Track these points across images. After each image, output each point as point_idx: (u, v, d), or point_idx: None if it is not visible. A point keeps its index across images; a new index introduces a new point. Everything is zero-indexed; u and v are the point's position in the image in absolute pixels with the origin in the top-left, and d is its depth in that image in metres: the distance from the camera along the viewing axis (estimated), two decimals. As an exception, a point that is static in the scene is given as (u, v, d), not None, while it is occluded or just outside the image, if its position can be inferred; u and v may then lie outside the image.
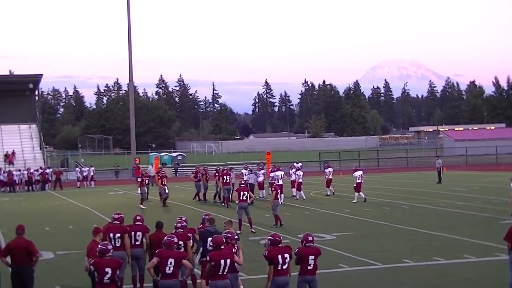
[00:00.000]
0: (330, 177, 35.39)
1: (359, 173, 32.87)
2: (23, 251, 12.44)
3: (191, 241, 13.57)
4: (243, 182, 24.72)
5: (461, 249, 18.15)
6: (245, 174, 35.68)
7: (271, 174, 32.88)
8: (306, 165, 48.62)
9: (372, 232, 21.87)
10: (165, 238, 11.27)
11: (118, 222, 14.01)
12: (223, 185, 31.80)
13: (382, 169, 65.86)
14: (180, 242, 12.83)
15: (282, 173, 33.01)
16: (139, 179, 33.86)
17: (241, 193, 22.56)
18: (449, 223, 23.59)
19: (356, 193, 32.36)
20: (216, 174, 33.50)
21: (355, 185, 32.54)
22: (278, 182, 32.05)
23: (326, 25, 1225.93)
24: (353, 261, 16.81)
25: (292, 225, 24.15)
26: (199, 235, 13.57)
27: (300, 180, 33.93)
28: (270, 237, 11.02)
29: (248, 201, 22.81)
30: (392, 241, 19.90)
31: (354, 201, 31.88)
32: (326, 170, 36.03)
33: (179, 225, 13.29)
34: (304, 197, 33.75)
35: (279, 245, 10.92)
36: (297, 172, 34.26)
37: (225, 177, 31.73)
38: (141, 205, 32.20)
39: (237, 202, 22.71)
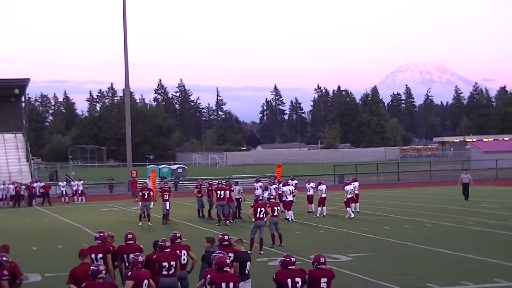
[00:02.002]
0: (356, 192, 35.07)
1: (350, 187, 33.25)
2: (7, 273, 12.39)
3: (186, 257, 13.64)
4: (260, 198, 24.53)
5: (491, 272, 18.04)
6: (257, 188, 35.87)
7: (280, 189, 32.90)
8: (318, 179, 48.26)
9: (392, 253, 21.79)
10: (131, 257, 11.50)
11: (100, 242, 14.04)
12: (218, 201, 31.72)
13: (403, 183, 65.70)
14: (172, 262, 13.01)
15: (292, 188, 32.94)
16: (140, 193, 33.86)
17: (258, 209, 22.47)
18: (478, 243, 23.48)
19: (348, 208, 32.78)
20: (209, 188, 33.77)
21: (345, 199, 32.90)
22: (287, 198, 32.01)
23: (341, 25, 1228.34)
24: (371, 285, 16.73)
25: (303, 244, 24.08)
26: (202, 258, 13.58)
27: (324, 195, 33.86)
28: (282, 258, 10.93)
29: (265, 219, 22.73)
30: (415, 263, 19.82)
31: (346, 217, 32.40)
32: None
33: (167, 244, 13.37)
34: (322, 214, 33.63)
35: (291, 267, 10.79)
36: (320, 187, 34.19)
37: (220, 192, 31.67)
38: (149, 223, 32.35)
39: (253, 220, 22.59)
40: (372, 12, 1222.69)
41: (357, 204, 35.12)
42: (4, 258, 12.14)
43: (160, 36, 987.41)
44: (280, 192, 33.08)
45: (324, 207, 33.87)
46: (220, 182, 33.81)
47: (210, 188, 34.19)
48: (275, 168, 51.08)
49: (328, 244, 24.29)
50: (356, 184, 35.05)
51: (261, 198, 25.12)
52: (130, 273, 11.35)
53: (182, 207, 41.19)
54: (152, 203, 33.75)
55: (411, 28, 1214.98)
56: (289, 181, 36.34)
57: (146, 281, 11.08)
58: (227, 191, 31.86)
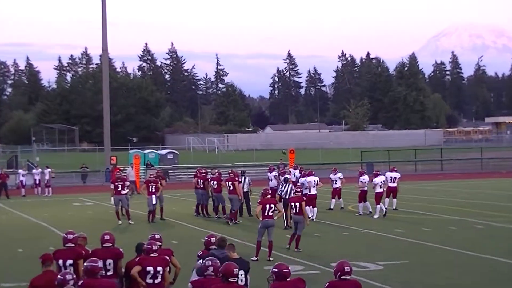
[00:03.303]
0: (394, 184, 35.08)
1: (381, 178, 33.56)
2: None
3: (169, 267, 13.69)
4: (268, 190, 24.41)
5: (557, 285, 17.99)
6: (271, 179, 36.21)
7: (301, 180, 32.93)
8: (343, 168, 48.28)
9: (433, 261, 21.76)
10: (86, 263, 11.60)
11: (73, 244, 14.02)
12: (229, 194, 31.94)
13: (447, 174, 65.65)
14: (159, 268, 13.04)
15: (316, 179, 32.96)
16: (112, 186, 33.94)
17: (267, 206, 22.49)
18: (540, 250, 23.42)
19: (378, 206, 32.95)
20: (205, 178, 34.07)
21: (378, 192, 33.15)
22: (310, 191, 32.02)
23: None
24: (407, 301, 16.70)
25: (323, 249, 24.10)
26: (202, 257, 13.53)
27: (365, 188, 33.94)
28: (275, 269, 10.93)
29: (275, 218, 22.75)
30: (462, 273, 19.80)
31: (375, 216, 32.62)
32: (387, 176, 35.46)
33: (155, 247, 13.41)
34: (368, 211, 33.69)
35: (288, 279, 10.85)
36: (362, 178, 34.18)
37: (229, 183, 31.85)
38: (130, 221, 32.62)
39: (260, 218, 22.59)
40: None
41: (394, 199, 35.24)
42: None
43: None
44: (299, 184, 33.11)
45: (367, 203, 33.96)
46: (231, 171, 33.95)
47: (206, 179, 34.31)
48: (288, 154, 51.01)
49: (354, 249, 24.30)
50: (394, 175, 35.02)
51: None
52: (82, 282, 11.36)
53: (173, 202, 41.19)
54: (128, 196, 33.78)
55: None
56: (291, 169, 36.55)
57: None
58: (235, 183, 32.05)
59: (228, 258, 12.58)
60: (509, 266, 20.75)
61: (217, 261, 11.32)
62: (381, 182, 33.26)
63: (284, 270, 10.84)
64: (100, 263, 11.65)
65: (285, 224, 29.10)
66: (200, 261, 12.66)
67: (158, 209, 33.39)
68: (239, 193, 32.29)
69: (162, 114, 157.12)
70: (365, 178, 34.23)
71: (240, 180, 32.74)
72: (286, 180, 32.90)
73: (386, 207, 34.10)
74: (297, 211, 23.55)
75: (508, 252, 22.87)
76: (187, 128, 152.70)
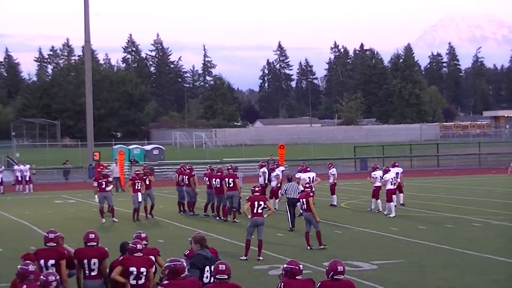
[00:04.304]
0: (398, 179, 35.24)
1: (391, 175, 33.52)
2: None
3: (154, 267, 13.68)
4: (257, 188, 24.41)
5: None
6: (260, 175, 36.77)
7: (297, 176, 33.07)
8: (335, 164, 48.18)
9: (429, 260, 21.81)
10: (19, 266, 11.54)
11: (54, 244, 14.00)
12: (227, 191, 31.91)
13: (443, 170, 65.76)
14: (142, 269, 13.05)
15: (312, 175, 33.05)
16: (95, 183, 33.91)
17: (256, 203, 22.50)
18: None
19: (376, 200, 33.18)
20: (190, 175, 34.30)
21: (389, 189, 33.05)
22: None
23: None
24: (403, 301, 16.75)
25: (315, 248, 24.07)
26: (191, 263, 13.53)
27: (378, 184, 33.82)
28: (287, 265, 11.01)
29: (265, 216, 22.78)
30: (459, 274, 19.84)
31: (391, 215, 32.44)
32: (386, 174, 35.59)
33: (140, 246, 13.43)
34: (394, 213, 33.10)
35: (298, 277, 10.90)
36: (374, 173, 34.19)
37: (229, 179, 31.88)
38: (114, 219, 32.77)
39: (249, 216, 22.59)
40: None
41: (402, 194, 35.66)
42: None
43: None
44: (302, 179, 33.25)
45: (379, 201, 33.93)
46: (231, 167, 34.06)
47: (191, 175, 34.38)
48: (278, 149, 51.06)
49: (347, 248, 24.36)
50: (396, 170, 35.11)
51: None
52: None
53: (160, 200, 41.10)
54: (111, 194, 33.86)
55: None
56: (277, 166, 36.91)
57: None
58: (236, 180, 32.22)
59: (215, 258, 12.63)
60: (507, 266, 20.81)
61: (181, 262, 11.40)
62: (392, 178, 33.31)
63: (296, 267, 10.95)
64: (31, 266, 11.51)
65: (290, 226, 28.90)
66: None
67: (143, 206, 33.38)
68: (239, 190, 32.39)
69: (147, 108, 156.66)
70: (376, 173, 34.29)
71: (237, 175, 32.88)
72: (290, 179, 33.02)
73: (402, 202, 34.37)
74: (306, 207, 23.82)
75: (507, 251, 22.94)
76: (173, 122, 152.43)
